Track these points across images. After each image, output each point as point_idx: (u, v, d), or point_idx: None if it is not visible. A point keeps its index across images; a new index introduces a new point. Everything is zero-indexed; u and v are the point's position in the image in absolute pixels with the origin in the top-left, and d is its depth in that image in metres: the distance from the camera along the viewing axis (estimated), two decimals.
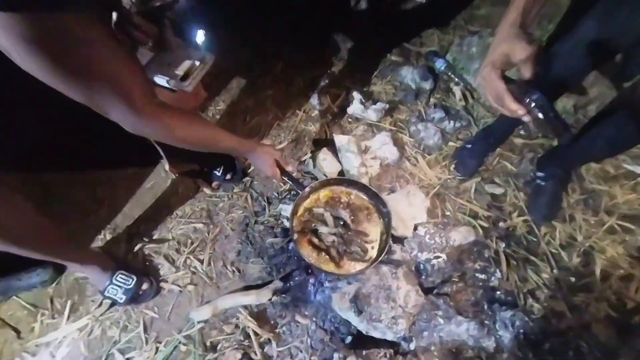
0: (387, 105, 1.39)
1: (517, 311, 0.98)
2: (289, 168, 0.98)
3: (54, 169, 1.24)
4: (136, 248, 1.11)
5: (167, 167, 1.24)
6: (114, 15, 0.72)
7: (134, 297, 1.00)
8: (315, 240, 0.97)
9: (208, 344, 0.97)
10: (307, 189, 1.02)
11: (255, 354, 0.94)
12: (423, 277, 1.04)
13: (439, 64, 1.49)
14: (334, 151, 1.23)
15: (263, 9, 1.55)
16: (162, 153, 1.10)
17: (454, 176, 1.27)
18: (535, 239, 1.16)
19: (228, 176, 1.22)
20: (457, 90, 1.46)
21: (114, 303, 1.01)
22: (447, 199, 1.22)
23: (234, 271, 1.08)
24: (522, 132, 1.38)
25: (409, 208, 1.10)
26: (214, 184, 1.24)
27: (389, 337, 0.91)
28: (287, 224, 1.13)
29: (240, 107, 1.44)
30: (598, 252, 1.13)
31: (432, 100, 1.46)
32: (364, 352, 0.89)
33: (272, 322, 0.99)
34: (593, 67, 0.89)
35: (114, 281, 0.99)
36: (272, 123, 1.39)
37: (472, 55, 1.43)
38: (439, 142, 1.34)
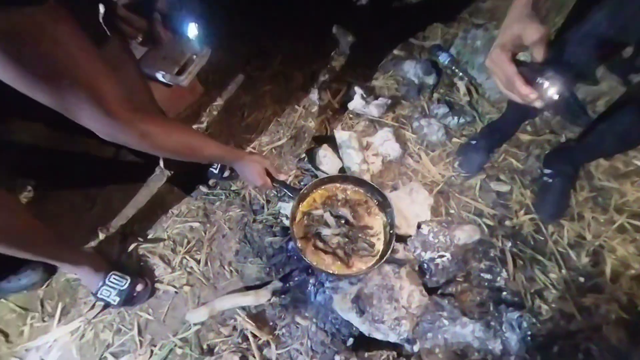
0: (389, 101, 1.38)
1: (524, 312, 0.98)
2: (282, 177, 0.96)
3: (47, 169, 1.24)
4: (130, 248, 1.10)
5: (161, 164, 1.24)
6: (101, 8, 0.71)
7: (128, 299, 0.99)
8: (321, 244, 0.95)
9: (205, 346, 0.97)
10: (301, 192, 1.00)
11: (254, 357, 0.93)
12: (427, 276, 1.03)
13: (443, 58, 1.49)
14: (335, 148, 1.23)
15: (260, 0, 1.55)
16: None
17: (458, 173, 1.27)
18: (542, 238, 1.16)
19: (225, 173, 1.21)
20: (461, 85, 1.45)
21: (107, 305, 1.01)
22: (451, 196, 1.22)
23: (231, 271, 1.08)
24: (528, 127, 1.37)
25: (412, 206, 1.10)
26: (211, 181, 1.23)
27: (392, 338, 0.90)
28: (286, 222, 1.12)
29: (238, 102, 1.43)
30: (608, 251, 1.12)
31: (435, 95, 1.45)
32: (366, 355, 0.89)
33: (271, 323, 0.99)
34: (602, 60, 0.88)
35: (107, 282, 0.99)
36: (270, 119, 1.38)
37: (476, 49, 1.42)
38: (443, 138, 1.33)
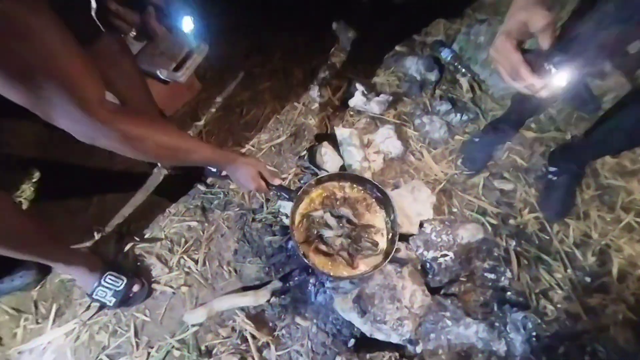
0: (391, 97, 1.38)
1: (529, 313, 0.98)
2: (276, 181, 0.93)
3: (43, 168, 1.23)
4: (127, 248, 1.10)
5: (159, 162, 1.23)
6: (93, 3, 0.71)
7: (124, 300, 0.99)
8: (323, 247, 0.94)
9: (203, 348, 0.96)
10: (299, 194, 0.98)
11: (253, 359, 0.93)
12: (429, 276, 1.03)
13: (445, 54, 1.49)
14: (335, 145, 1.23)
15: None
16: None
17: (461, 171, 1.27)
18: (547, 237, 1.16)
19: (224, 172, 1.21)
20: (464, 82, 1.45)
21: (102, 306, 1.00)
22: (454, 195, 1.22)
23: (230, 271, 1.08)
24: (532, 125, 1.37)
25: (414, 204, 1.09)
26: (209, 180, 1.23)
27: (394, 339, 0.90)
28: (286, 221, 1.12)
29: (236, 99, 1.43)
30: (615, 250, 1.13)
31: (437, 92, 1.45)
32: (367, 356, 0.89)
33: (270, 324, 0.99)
34: (609, 55, 0.88)
35: (102, 283, 0.98)
36: (269, 116, 1.38)
37: (479, 45, 1.42)
38: (445, 135, 1.33)
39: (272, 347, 0.94)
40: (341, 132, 1.22)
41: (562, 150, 1.24)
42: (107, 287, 0.98)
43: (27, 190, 1.20)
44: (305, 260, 0.90)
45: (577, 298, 1.04)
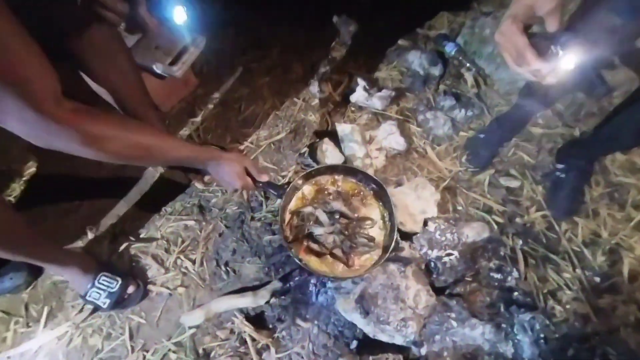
0: (393, 93, 1.38)
1: (537, 314, 0.97)
2: (264, 178, 0.89)
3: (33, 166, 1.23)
4: (121, 248, 1.10)
5: None
6: None
7: (119, 302, 0.99)
8: (315, 246, 0.92)
9: (200, 351, 0.96)
10: (288, 189, 0.95)
11: None
12: (434, 276, 1.03)
13: (449, 48, 1.49)
14: (336, 142, 1.23)
15: None
16: None
17: (465, 168, 1.27)
18: (555, 236, 1.16)
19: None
20: (468, 76, 1.45)
21: (96, 308, 1.00)
22: (459, 192, 1.22)
23: (228, 272, 1.08)
24: (540, 120, 1.37)
25: (418, 201, 1.09)
26: (207, 177, 1.23)
27: (398, 341, 0.90)
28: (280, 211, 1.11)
29: (234, 95, 1.43)
30: (625, 250, 1.12)
31: (441, 87, 1.45)
32: (370, 358, 0.89)
33: (270, 326, 0.98)
34: (618, 42, 0.88)
35: (96, 284, 0.98)
36: (268, 112, 1.38)
37: (484, 38, 1.42)
38: (449, 131, 1.33)
39: (272, 349, 0.94)
40: (342, 128, 1.22)
41: (571, 146, 1.24)
42: (101, 289, 0.98)
43: (17, 189, 1.20)
44: (297, 261, 0.88)
45: (587, 299, 1.04)
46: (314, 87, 1.43)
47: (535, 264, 1.10)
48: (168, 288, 1.05)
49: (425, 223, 1.09)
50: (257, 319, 1.00)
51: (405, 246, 1.03)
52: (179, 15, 0.97)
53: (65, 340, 0.98)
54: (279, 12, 1.61)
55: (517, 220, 1.18)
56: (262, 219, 1.14)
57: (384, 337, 0.91)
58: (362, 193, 1.02)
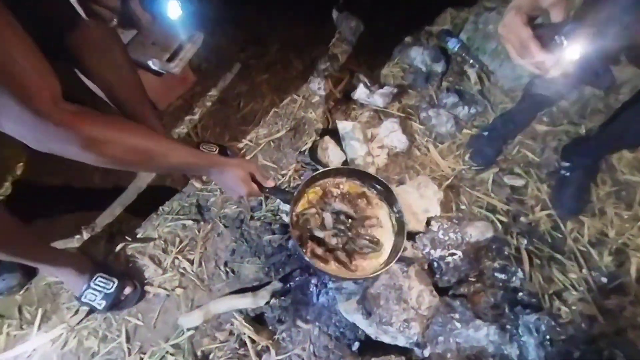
0: (395, 90, 1.38)
1: (542, 315, 0.98)
2: (270, 183, 0.88)
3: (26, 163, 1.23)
4: (118, 248, 1.10)
5: None
6: None
7: (115, 303, 0.99)
8: (319, 251, 0.91)
9: (199, 353, 0.96)
10: (295, 194, 0.94)
11: None
12: (437, 276, 1.03)
13: (452, 44, 1.49)
14: (337, 140, 1.23)
15: None
16: None
17: (469, 167, 1.27)
18: (560, 236, 1.16)
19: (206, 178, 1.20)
20: (471, 73, 1.46)
21: (92, 310, 1.00)
22: (462, 191, 1.22)
23: (227, 272, 1.08)
24: (544, 117, 1.38)
25: (420, 201, 1.10)
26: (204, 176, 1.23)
27: (401, 342, 0.90)
28: (285, 219, 1.12)
29: (233, 92, 1.43)
30: (633, 249, 1.13)
31: (444, 83, 1.46)
32: None
33: (270, 327, 0.99)
34: (624, 38, 0.88)
35: (92, 285, 0.98)
36: (268, 110, 1.38)
37: (488, 34, 1.43)
38: (452, 129, 1.33)
39: (272, 351, 0.94)
40: (343, 125, 1.22)
41: (576, 144, 1.24)
42: (96, 290, 0.98)
43: (8, 188, 1.20)
44: (310, 262, 0.88)
45: (593, 300, 1.04)
46: (315, 84, 1.43)
47: (540, 264, 1.10)
48: (166, 289, 1.05)
49: (428, 222, 1.09)
50: (256, 320, 1.00)
51: (407, 246, 1.04)
52: (173, 11, 0.97)
53: (60, 343, 0.98)
54: (279, 8, 1.61)
55: (522, 219, 1.18)
56: (262, 218, 1.15)
57: (386, 339, 0.91)
58: (367, 195, 1.03)
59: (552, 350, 0.94)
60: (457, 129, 1.34)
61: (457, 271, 1.03)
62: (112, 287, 0.99)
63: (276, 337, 0.97)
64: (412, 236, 1.07)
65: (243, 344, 0.96)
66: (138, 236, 1.14)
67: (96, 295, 0.98)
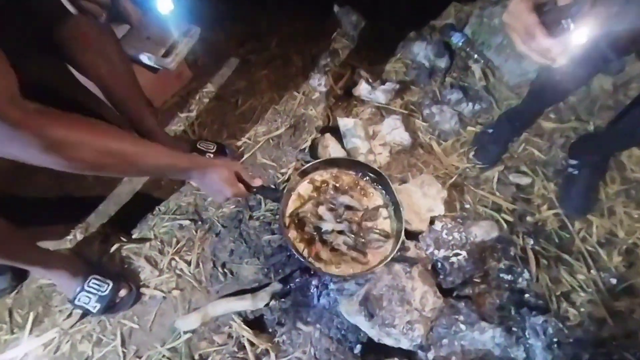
0: (398, 86, 1.39)
1: (550, 317, 0.98)
2: (257, 182, 0.85)
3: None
4: (112, 249, 1.10)
5: None
6: None
7: (110, 306, 0.99)
8: (324, 255, 0.91)
9: (196, 357, 0.96)
10: (284, 192, 0.95)
11: None
12: (441, 277, 1.04)
13: (456, 39, 1.50)
14: (338, 137, 1.24)
15: None
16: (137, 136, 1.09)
17: (473, 165, 1.28)
18: (568, 235, 1.16)
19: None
20: (476, 68, 1.46)
21: (86, 313, 1.00)
22: (467, 190, 1.23)
23: (225, 273, 1.08)
24: (551, 114, 1.38)
25: (424, 200, 1.10)
26: None
27: (404, 345, 0.90)
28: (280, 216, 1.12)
29: (231, 89, 1.43)
30: None
31: (448, 79, 1.46)
32: None
33: (270, 330, 0.99)
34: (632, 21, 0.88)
35: (86, 287, 0.98)
36: (267, 107, 1.39)
37: (493, 28, 1.43)
38: (456, 126, 1.34)
39: (272, 354, 0.94)
40: (345, 122, 1.22)
41: (584, 141, 1.25)
42: (90, 292, 0.98)
43: None
44: (308, 263, 0.89)
45: (602, 301, 1.05)
46: (315, 81, 1.44)
47: (547, 264, 1.10)
48: (162, 291, 1.05)
49: (431, 222, 1.09)
50: (256, 323, 1.00)
51: (411, 246, 1.04)
52: (164, 5, 0.97)
53: (53, 347, 0.98)
54: (278, 1, 1.61)
55: (528, 219, 1.18)
56: (261, 218, 1.15)
57: (389, 341, 0.91)
58: (360, 184, 1.03)
59: (559, 353, 0.94)
60: (461, 126, 1.35)
61: (462, 272, 1.03)
62: (106, 289, 0.99)
63: (276, 340, 0.97)
64: (415, 236, 1.08)
65: (242, 347, 0.96)
66: (133, 236, 1.14)
67: (90, 298, 0.98)
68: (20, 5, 0.73)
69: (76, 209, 1.18)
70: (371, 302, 0.92)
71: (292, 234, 0.94)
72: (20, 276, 1.06)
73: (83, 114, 0.55)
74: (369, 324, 0.90)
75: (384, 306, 0.91)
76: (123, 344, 0.99)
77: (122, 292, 1.00)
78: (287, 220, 0.95)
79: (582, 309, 1.04)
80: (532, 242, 1.13)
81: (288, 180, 1.22)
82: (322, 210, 0.95)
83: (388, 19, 1.60)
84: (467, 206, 1.20)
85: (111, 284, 0.99)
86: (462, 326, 0.94)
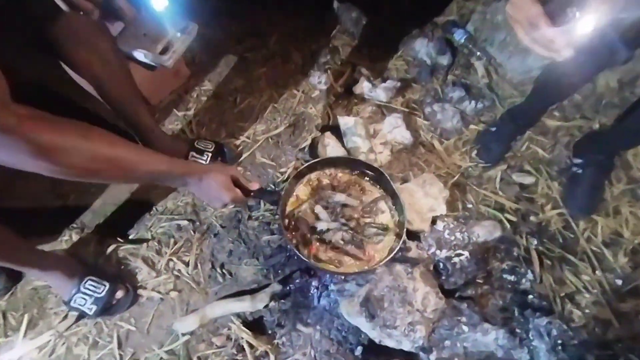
0: (399, 84, 1.40)
1: (554, 318, 0.98)
2: (254, 185, 0.85)
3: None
4: (109, 250, 1.11)
5: None
6: None
7: (106, 307, 0.99)
8: (323, 256, 0.92)
9: (195, 359, 0.97)
10: (282, 194, 0.95)
11: None
12: (443, 277, 1.04)
13: (459, 36, 1.50)
14: (339, 136, 1.24)
15: None
16: (134, 135, 1.09)
17: (476, 164, 1.28)
18: (572, 236, 1.17)
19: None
20: (479, 66, 1.47)
21: (82, 315, 1.01)
22: (469, 189, 1.23)
23: (224, 274, 1.08)
24: (556, 112, 1.38)
25: (425, 199, 1.11)
26: None
27: (406, 346, 0.91)
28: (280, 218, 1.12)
29: (229, 87, 1.44)
30: None
31: (450, 77, 1.47)
32: None
33: (269, 332, 0.99)
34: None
35: (82, 289, 0.98)
36: (266, 105, 1.39)
37: (496, 25, 1.43)
38: (458, 125, 1.34)
39: (272, 356, 0.95)
40: (345, 121, 1.23)
41: (589, 139, 1.25)
42: (86, 294, 0.98)
43: None
44: (310, 263, 0.90)
45: (608, 303, 1.05)
46: (315, 78, 1.44)
47: (551, 265, 1.11)
48: (160, 292, 1.05)
49: (433, 221, 1.10)
50: (255, 325, 1.00)
51: (412, 246, 1.04)
52: (159, 2, 0.97)
53: (48, 350, 0.98)
54: None
55: (532, 218, 1.19)
56: (260, 218, 1.15)
57: (390, 343, 0.91)
58: (359, 182, 1.04)
59: (564, 355, 0.95)
60: (464, 125, 1.35)
61: (464, 272, 1.04)
62: (103, 290, 0.99)
63: (276, 341, 0.97)
64: (417, 236, 1.08)
65: (241, 350, 0.96)
66: (130, 237, 1.14)
67: (86, 300, 0.98)
68: (13, 3, 0.73)
69: (72, 209, 1.18)
70: (372, 303, 0.92)
71: (292, 234, 0.95)
72: (14, 278, 1.06)
73: (77, 114, 0.55)
74: (370, 325, 0.91)
75: (385, 307, 0.92)
76: (120, 346, 0.99)
77: (119, 294, 1.01)
78: (286, 222, 0.96)
79: (587, 311, 1.04)
80: (535, 242, 1.14)
81: (287, 180, 1.22)
82: (318, 209, 0.96)
83: (389, 16, 1.61)
84: (470, 206, 1.20)
85: (108, 286, 1.00)
86: (465, 328, 0.95)
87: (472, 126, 1.36)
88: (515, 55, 1.40)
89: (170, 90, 1.40)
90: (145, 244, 1.12)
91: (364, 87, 1.37)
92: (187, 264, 1.09)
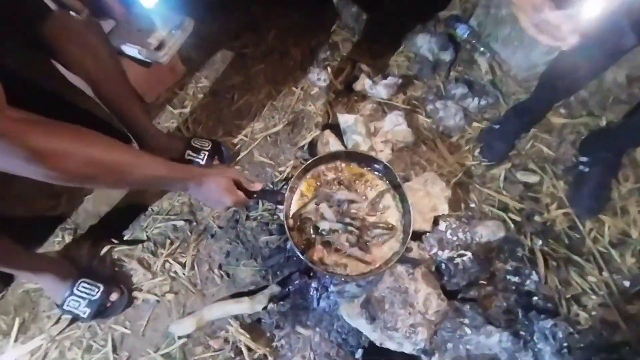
0: (400, 80, 1.40)
1: (559, 321, 0.99)
2: (257, 187, 0.85)
3: None
4: (103, 251, 1.11)
5: (136, 147, 1.23)
6: None
7: (101, 310, 1.00)
8: (327, 260, 0.92)
9: None
10: (286, 194, 0.95)
11: None
12: (445, 278, 1.05)
13: (461, 31, 1.50)
14: (339, 134, 1.25)
15: None
16: (129, 134, 1.10)
17: (479, 162, 1.29)
18: (578, 236, 1.17)
19: (215, 163, 1.22)
20: (482, 62, 1.47)
21: (75, 318, 1.01)
22: (472, 188, 1.24)
23: (222, 275, 1.09)
24: (561, 109, 1.39)
25: (427, 198, 1.11)
26: None
27: (407, 349, 0.92)
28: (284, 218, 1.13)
29: (226, 84, 1.44)
30: None
31: (452, 73, 1.47)
32: None
33: (268, 334, 1.00)
34: None
35: (75, 291, 0.99)
36: (264, 103, 1.40)
37: (500, 19, 1.44)
38: (461, 122, 1.35)
39: (270, 359, 0.96)
40: (345, 119, 1.24)
41: (596, 137, 1.26)
42: (80, 297, 0.99)
43: None
44: (314, 266, 0.89)
45: (615, 305, 1.06)
46: (314, 75, 1.45)
47: (556, 266, 1.11)
48: (155, 294, 1.06)
49: (435, 221, 1.10)
50: (253, 327, 1.01)
51: (414, 246, 1.05)
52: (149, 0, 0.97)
53: (40, 354, 0.99)
54: None
55: (536, 218, 1.19)
56: (259, 218, 1.16)
57: (391, 345, 0.92)
58: (365, 176, 1.03)
59: (570, 358, 0.95)
60: (467, 122, 1.36)
61: (467, 273, 1.04)
62: (97, 293, 1.00)
63: (274, 344, 0.98)
64: (418, 236, 1.09)
65: (239, 352, 0.97)
66: (125, 238, 1.15)
67: (80, 302, 0.99)
68: (2, 3, 0.74)
69: (64, 210, 1.18)
70: (373, 304, 0.93)
71: (296, 236, 0.94)
72: (5, 280, 1.07)
73: (72, 113, 0.55)
74: (371, 327, 0.92)
75: (386, 309, 0.92)
76: (114, 350, 1.00)
77: (113, 296, 1.01)
78: (290, 222, 0.95)
79: (593, 313, 1.05)
80: (540, 242, 1.14)
81: (286, 179, 1.23)
82: (323, 207, 0.96)
83: (390, 11, 1.61)
84: (473, 205, 1.21)
85: (102, 288, 1.00)
86: (468, 330, 0.96)
87: (475, 124, 1.36)
88: (520, 50, 1.41)
89: (165, 88, 1.41)
90: (140, 245, 1.13)
91: (364, 84, 1.38)
92: (183, 265, 1.10)
